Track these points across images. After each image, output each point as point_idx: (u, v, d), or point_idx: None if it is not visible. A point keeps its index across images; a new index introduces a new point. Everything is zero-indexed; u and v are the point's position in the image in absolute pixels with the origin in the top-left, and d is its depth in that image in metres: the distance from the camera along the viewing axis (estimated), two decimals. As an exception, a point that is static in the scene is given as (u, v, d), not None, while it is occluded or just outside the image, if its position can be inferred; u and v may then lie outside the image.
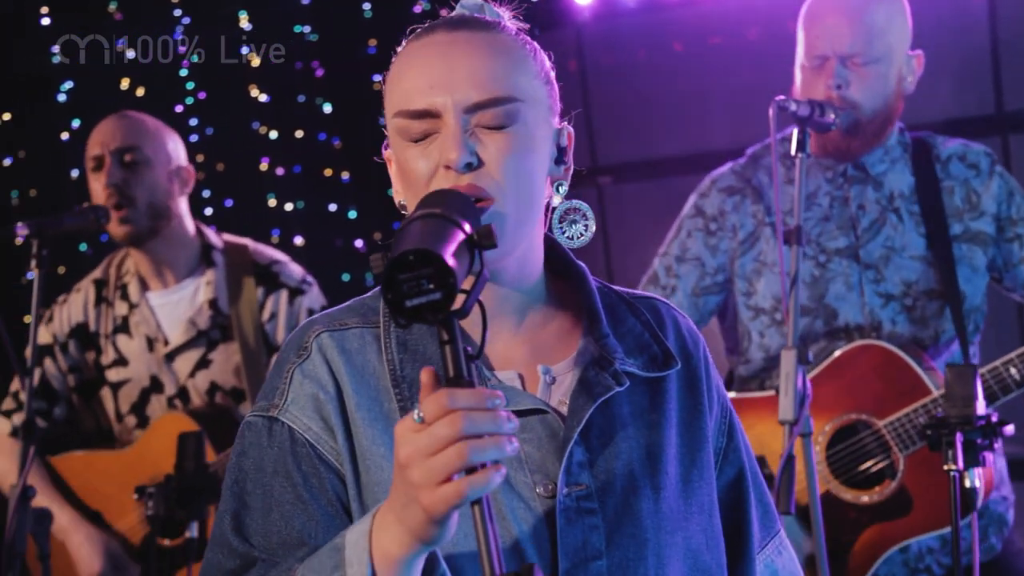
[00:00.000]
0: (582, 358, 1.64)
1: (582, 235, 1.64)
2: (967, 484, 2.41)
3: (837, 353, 3.02)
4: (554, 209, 1.64)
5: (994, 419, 2.43)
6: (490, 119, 1.55)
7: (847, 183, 3.10)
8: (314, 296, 3.61)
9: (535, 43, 1.64)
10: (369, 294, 1.69)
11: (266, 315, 3.54)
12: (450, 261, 1.31)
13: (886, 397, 2.98)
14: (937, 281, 3.04)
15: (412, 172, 1.58)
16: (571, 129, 1.67)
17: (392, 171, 1.65)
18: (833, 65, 2.94)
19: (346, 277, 4.91)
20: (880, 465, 3.00)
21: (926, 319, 3.05)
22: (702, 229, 3.17)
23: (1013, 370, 2.87)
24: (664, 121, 4.91)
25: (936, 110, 4.23)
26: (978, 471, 2.42)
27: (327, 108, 4.87)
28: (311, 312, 3.56)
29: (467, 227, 1.39)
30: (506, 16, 1.67)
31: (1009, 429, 2.45)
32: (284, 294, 3.56)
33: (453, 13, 1.68)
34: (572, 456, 1.58)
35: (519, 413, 1.58)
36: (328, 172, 4.93)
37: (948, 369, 2.46)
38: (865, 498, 2.99)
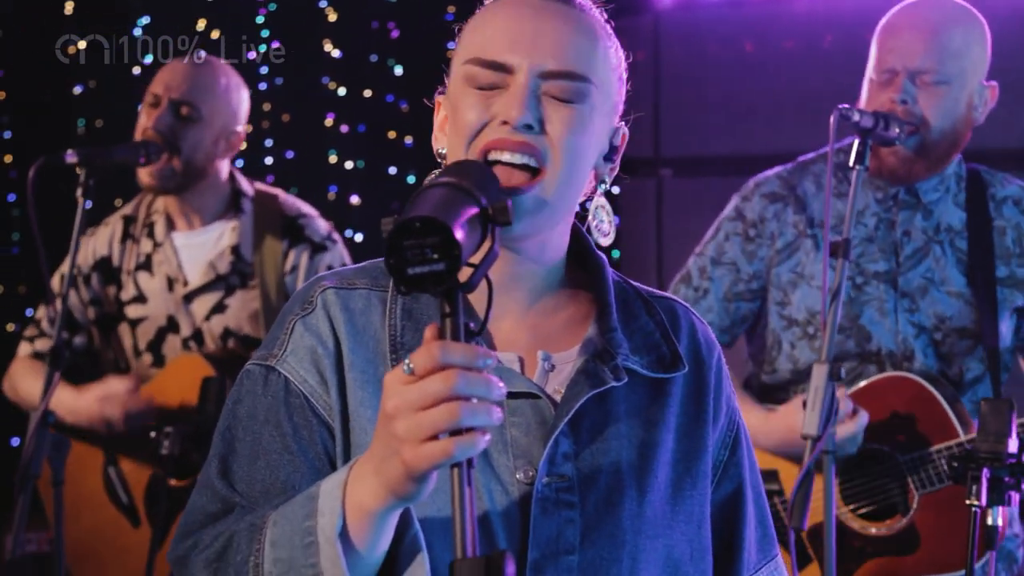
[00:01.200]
0: (585, 349, 1.62)
1: (605, 235, 1.63)
2: (989, 522, 2.33)
3: (870, 380, 2.98)
4: (586, 201, 1.64)
5: None
6: (560, 90, 1.55)
7: (896, 207, 3.03)
8: (337, 254, 3.59)
9: (617, 39, 1.64)
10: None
11: (288, 266, 3.52)
12: (458, 233, 1.29)
13: (912, 432, 2.93)
14: (971, 320, 2.98)
15: (464, 118, 1.56)
16: (627, 131, 1.67)
17: (438, 118, 1.65)
18: (901, 79, 2.87)
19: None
20: (894, 499, 2.95)
21: (952, 356, 3.00)
22: (741, 234, 3.11)
23: None
24: (731, 119, 4.88)
25: (1007, 137, 4.16)
26: (1001, 510, 2.34)
27: (398, 70, 4.87)
28: (331, 268, 3.51)
29: (483, 201, 1.37)
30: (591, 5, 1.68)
31: None
32: (307, 248, 3.55)
33: None
34: (558, 445, 1.57)
35: (511, 395, 1.57)
36: (392, 135, 4.93)
37: (984, 402, 2.41)
38: (873, 530, 2.95)
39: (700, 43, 4.92)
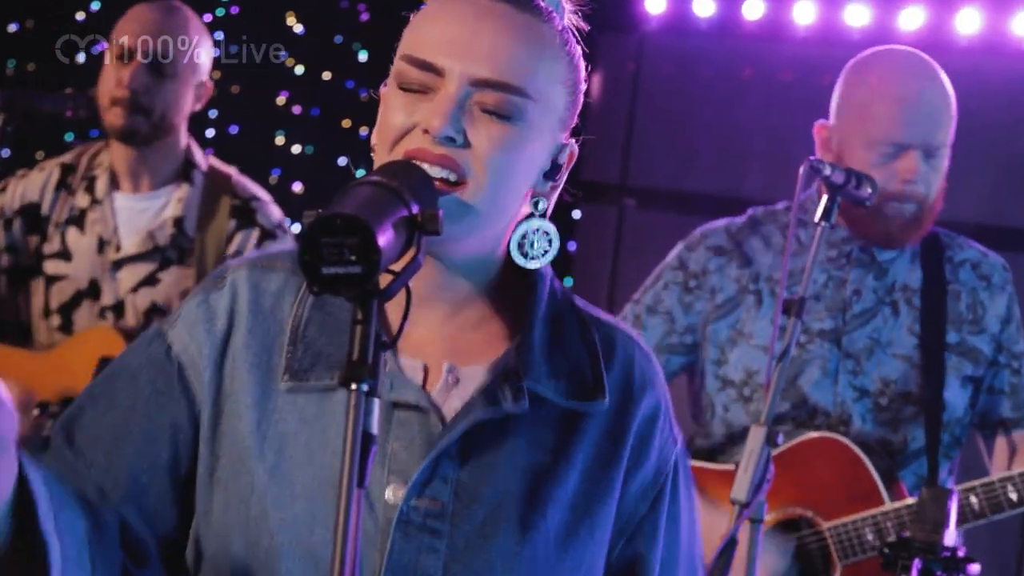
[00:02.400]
0: (494, 366, 1.57)
1: (542, 257, 1.57)
2: (912, 614, 2.36)
3: (797, 440, 2.96)
4: (518, 224, 1.58)
5: (960, 553, 2.35)
6: (493, 102, 1.50)
7: (849, 264, 3.01)
8: (286, 245, 3.37)
9: (579, 48, 1.59)
10: None
11: (231, 249, 3.49)
12: (380, 236, 1.26)
13: (837, 498, 2.93)
14: (918, 385, 2.99)
15: (388, 121, 1.52)
16: (575, 148, 1.61)
17: (380, 112, 1.61)
18: (916, 157, 2.85)
19: (338, 235, 4.81)
20: (816, 570, 2.93)
21: (897, 423, 3.00)
22: (680, 284, 3.10)
23: (1012, 491, 2.80)
24: (708, 155, 4.87)
25: (970, 210, 4.18)
26: (928, 603, 2.39)
27: (362, 56, 4.78)
28: None
29: (414, 207, 1.35)
30: (567, 8, 1.61)
31: (975, 568, 2.37)
32: (255, 234, 3.51)
33: None
34: (437, 467, 1.52)
35: (397, 405, 1.52)
36: (347, 123, 4.85)
37: (925, 490, 2.40)
38: (793, 602, 2.97)
39: (686, 69, 4.89)
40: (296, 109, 4.91)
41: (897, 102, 2.89)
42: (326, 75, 4.86)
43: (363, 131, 4.86)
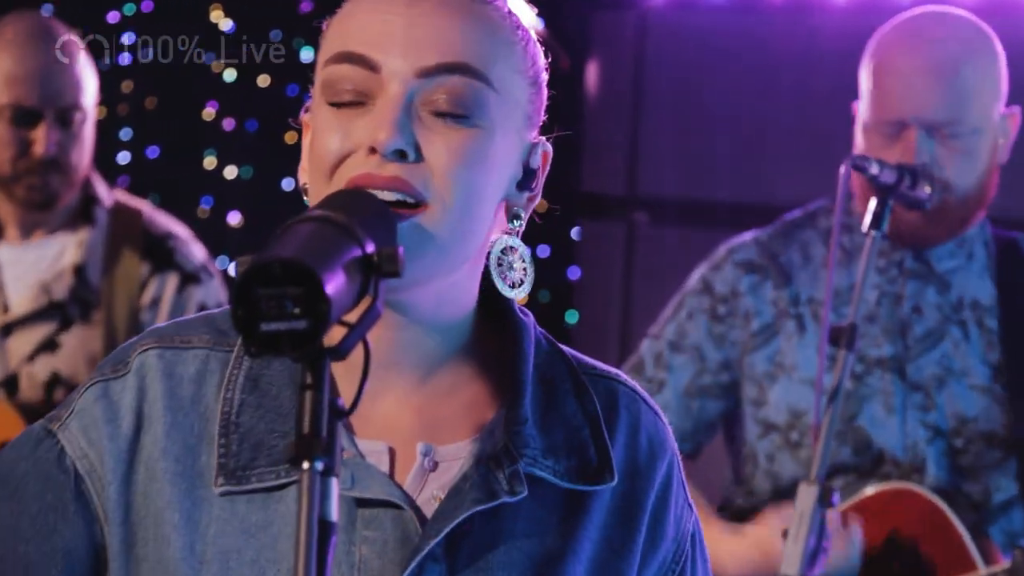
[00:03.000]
0: (481, 444, 1.53)
1: (518, 284, 1.56)
2: None
3: (867, 492, 2.90)
4: (491, 244, 1.56)
5: None
6: (445, 101, 1.46)
7: (902, 276, 2.95)
8: (212, 290, 3.50)
9: (531, 34, 1.57)
10: None
11: (147, 298, 3.43)
12: (329, 285, 1.23)
13: (917, 564, 2.87)
14: (1001, 424, 2.92)
15: (322, 146, 1.47)
16: (548, 148, 1.58)
17: (304, 143, 1.58)
18: (914, 136, 2.81)
19: (286, 276, 4.77)
20: None
21: (977, 471, 2.93)
22: (707, 311, 3.04)
23: None
24: (730, 155, 4.77)
25: None
26: None
27: (306, 54, 4.52)
28: (203, 308, 3.40)
29: (368, 245, 1.31)
30: None
31: None
32: (174, 278, 3.46)
33: None
34: (422, 573, 1.48)
35: (364, 502, 1.48)
36: (291, 138, 4.66)
37: (1019, 551, 2.48)
38: None
39: (700, 52, 4.77)
40: (228, 123, 4.82)
41: (892, 73, 2.87)
42: (263, 80, 4.74)
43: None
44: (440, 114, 1.45)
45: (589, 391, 1.60)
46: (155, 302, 3.44)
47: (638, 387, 1.65)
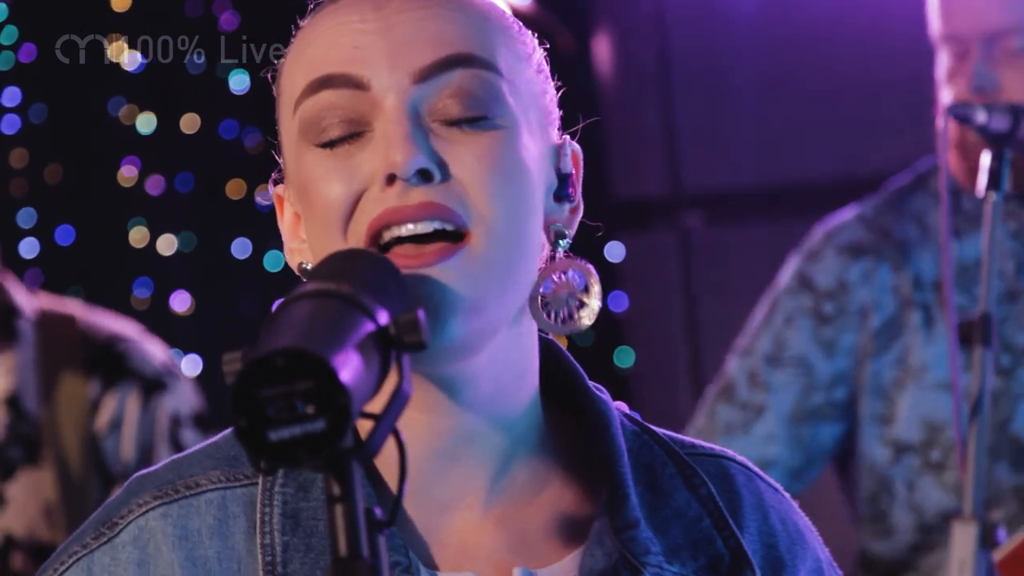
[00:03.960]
0: (592, 559, 1.48)
1: (571, 321, 1.53)
2: None
3: None
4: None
5: None
6: (455, 103, 1.45)
7: None
8: (183, 395, 3.47)
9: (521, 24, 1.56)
10: None
11: (103, 421, 3.43)
12: (343, 371, 1.21)
13: None
14: None
15: (325, 198, 1.45)
16: (577, 147, 1.57)
17: (285, 222, 1.55)
18: (975, 56, 2.88)
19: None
20: None
21: None
22: (810, 312, 3.05)
23: None
24: (800, 130, 4.71)
25: None
26: None
27: (238, 82, 4.52)
28: (177, 420, 3.44)
29: (381, 315, 1.29)
30: None
31: None
32: (134, 390, 3.44)
33: None
34: None
35: None
36: (235, 188, 4.63)
37: None
38: None
39: (735, 27, 4.79)
40: (154, 184, 4.68)
41: None
42: (188, 123, 4.59)
43: (263, 196, 4.55)
44: (453, 122, 1.45)
45: (699, 474, 1.60)
46: (116, 424, 3.42)
47: (750, 463, 1.65)
